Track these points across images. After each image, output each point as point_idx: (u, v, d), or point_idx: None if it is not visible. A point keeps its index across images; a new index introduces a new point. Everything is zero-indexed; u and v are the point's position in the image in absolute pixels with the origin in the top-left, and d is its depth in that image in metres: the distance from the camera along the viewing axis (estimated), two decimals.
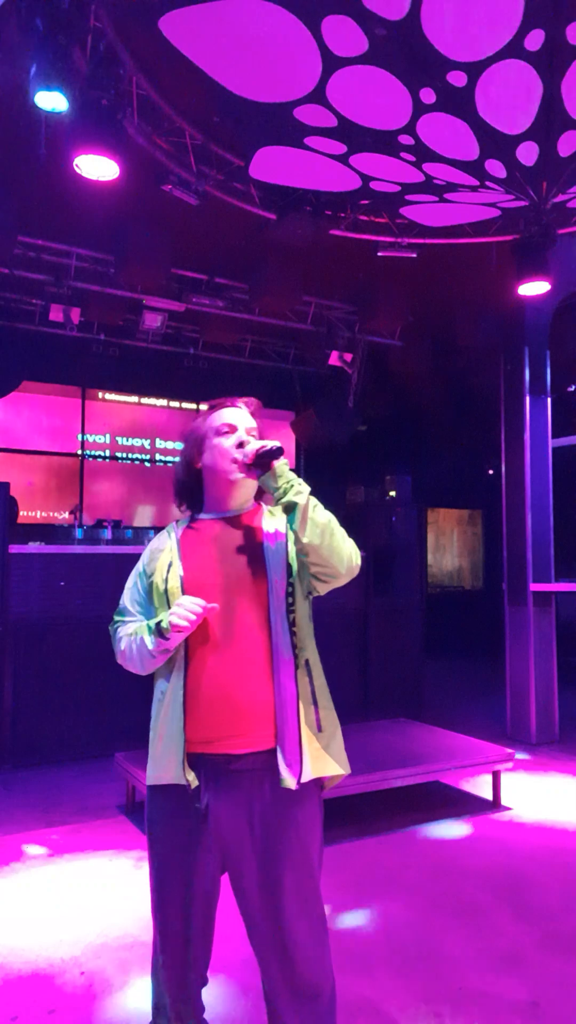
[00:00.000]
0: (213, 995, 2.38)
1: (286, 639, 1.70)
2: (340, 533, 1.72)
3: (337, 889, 3.21)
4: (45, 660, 5.17)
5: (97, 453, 8.63)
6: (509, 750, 4.28)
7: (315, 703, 1.73)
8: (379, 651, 6.47)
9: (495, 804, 4.30)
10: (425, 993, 2.44)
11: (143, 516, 8.82)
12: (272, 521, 1.81)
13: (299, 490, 1.69)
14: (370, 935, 2.84)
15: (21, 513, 7.28)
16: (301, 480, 1.71)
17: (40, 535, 6.35)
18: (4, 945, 2.78)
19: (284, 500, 1.68)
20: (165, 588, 1.74)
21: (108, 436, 8.70)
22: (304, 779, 1.65)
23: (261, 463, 1.71)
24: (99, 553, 5.61)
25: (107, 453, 8.69)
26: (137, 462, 8.88)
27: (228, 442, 1.79)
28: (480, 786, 4.55)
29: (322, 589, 1.78)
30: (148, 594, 1.81)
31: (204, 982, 1.84)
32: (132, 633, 1.77)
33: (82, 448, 8.52)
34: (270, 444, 1.70)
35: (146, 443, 8.93)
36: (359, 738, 4.57)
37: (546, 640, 5.97)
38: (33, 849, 3.68)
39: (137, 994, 2.43)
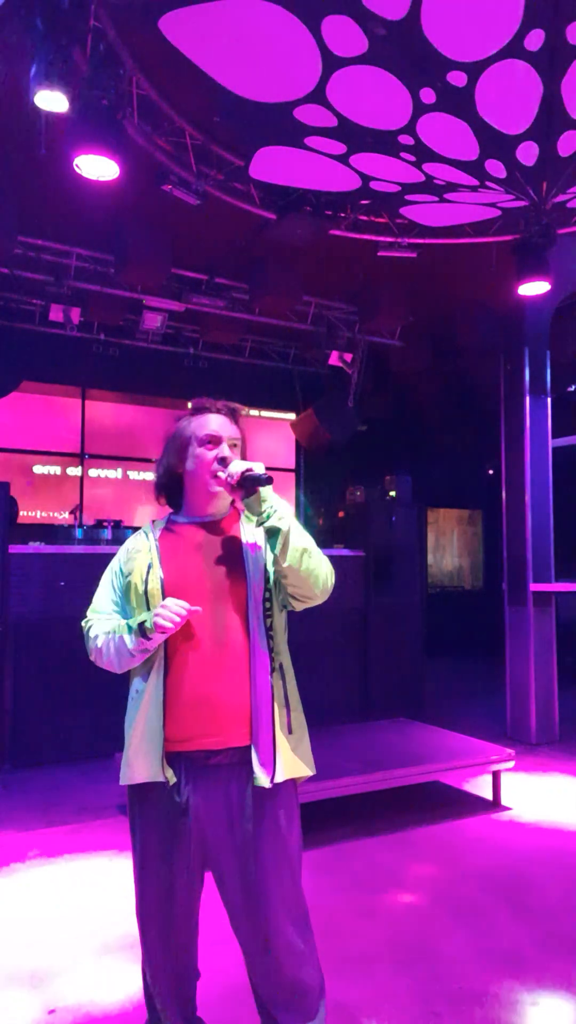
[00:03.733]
0: (211, 994, 2.38)
1: (263, 642, 1.73)
2: (317, 555, 1.75)
3: (337, 889, 3.21)
4: (45, 660, 5.17)
5: (97, 453, 8.63)
6: (509, 750, 4.28)
7: (287, 706, 1.76)
8: (379, 651, 6.46)
9: (495, 804, 4.30)
10: (425, 993, 2.44)
11: (143, 516, 8.82)
12: (250, 526, 1.84)
13: (282, 515, 1.71)
14: (370, 935, 2.84)
15: (21, 513, 7.28)
16: (284, 502, 1.73)
17: (40, 535, 6.35)
18: (4, 945, 2.79)
19: (267, 525, 1.70)
20: (145, 589, 1.76)
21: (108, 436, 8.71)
22: (277, 779, 1.68)
23: (246, 486, 1.71)
24: (99, 553, 5.60)
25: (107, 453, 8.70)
26: (137, 462, 8.87)
27: (211, 455, 1.81)
28: (480, 786, 4.55)
29: (297, 607, 1.81)
30: (125, 593, 1.83)
31: (196, 975, 1.86)
32: (110, 631, 1.79)
33: (82, 448, 8.52)
34: (257, 469, 1.71)
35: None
36: (359, 738, 4.57)
37: (546, 640, 5.97)
38: (33, 849, 3.68)
39: (137, 994, 2.43)
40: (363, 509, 6.82)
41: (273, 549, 1.71)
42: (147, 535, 1.88)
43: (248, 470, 1.71)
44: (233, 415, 1.88)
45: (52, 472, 8.39)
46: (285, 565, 1.69)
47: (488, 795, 4.38)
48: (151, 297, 6.78)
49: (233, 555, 1.80)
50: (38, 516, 8.17)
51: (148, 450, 8.86)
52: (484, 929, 2.88)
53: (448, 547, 11.81)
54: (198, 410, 1.89)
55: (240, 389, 8.51)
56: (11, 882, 3.32)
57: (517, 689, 5.98)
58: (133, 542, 1.89)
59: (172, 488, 1.91)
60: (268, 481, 1.71)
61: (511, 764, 4.26)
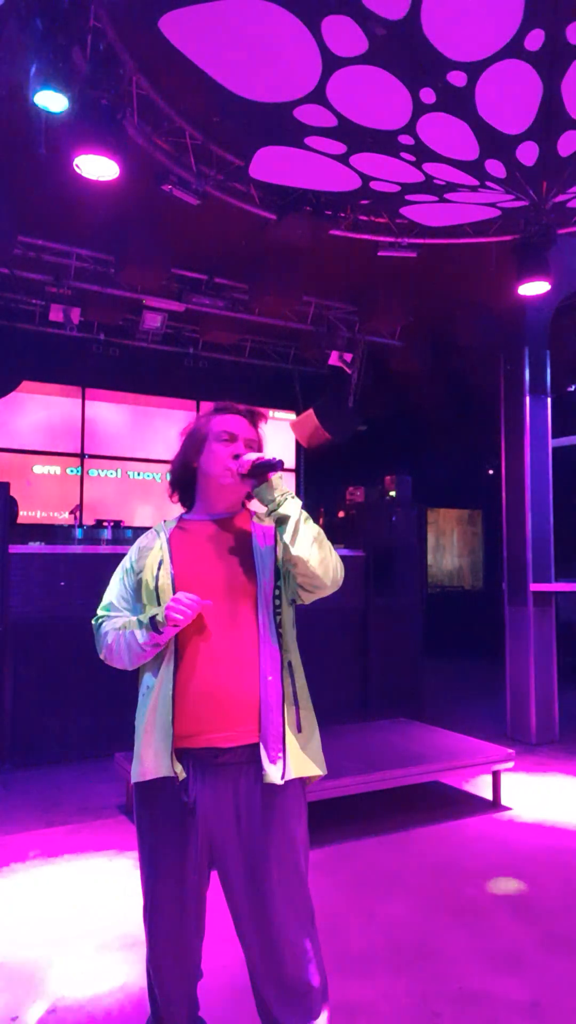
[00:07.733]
0: (213, 994, 2.38)
1: (273, 639, 1.75)
2: (327, 546, 1.77)
3: (337, 889, 3.21)
4: (45, 660, 5.17)
5: (97, 453, 8.63)
6: (509, 750, 4.28)
7: (296, 704, 1.76)
8: (379, 651, 6.46)
9: (495, 804, 4.30)
10: (425, 993, 2.44)
11: (143, 516, 8.82)
12: (261, 525, 1.86)
13: (292, 503, 1.73)
14: (370, 935, 2.84)
15: (21, 513, 7.27)
16: (293, 493, 1.76)
17: (40, 535, 6.35)
18: (4, 945, 2.79)
19: (277, 513, 1.73)
20: (156, 585, 1.77)
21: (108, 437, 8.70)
22: (287, 777, 1.68)
23: (257, 474, 1.74)
24: (99, 553, 5.60)
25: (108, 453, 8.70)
26: (137, 462, 8.87)
27: (226, 450, 1.84)
28: (480, 786, 4.55)
29: (307, 598, 1.82)
30: (136, 591, 1.84)
31: (200, 976, 1.86)
32: (121, 627, 1.80)
33: (82, 448, 8.52)
34: (268, 456, 1.75)
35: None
36: (359, 738, 4.57)
37: (546, 640, 5.97)
38: (33, 849, 3.68)
39: (137, 993, 2.43)
40: (363, 509, 6.82)
41: (283, 537, 1.73)
42: (158, 532, 1.90)
43: (259, 458, 1.74)
44: (253, 418, 1.92)
45: (52, 472, 8.39)
46: (295, 553, 1.70)
47: (488, 795, 4.38)
48: (151, 297, 6.78)
49: (243, 551, 1.82)
50: (38, 516, 8.17)
51: (148, 450, 8.87)
52: (484, 929, 2.88)
53: (448, 547, 11.81)
54: (219, 410, 1.92)
55: (240, 389, 8.51)
56: (11, 882, 3.32)
57: (517, 689, 5.98)
58: (144, 540, 1.91)
59: (186, 485, 1.93)
60: (279, 465, 1.74)
61: (511, 764, 4.26)
